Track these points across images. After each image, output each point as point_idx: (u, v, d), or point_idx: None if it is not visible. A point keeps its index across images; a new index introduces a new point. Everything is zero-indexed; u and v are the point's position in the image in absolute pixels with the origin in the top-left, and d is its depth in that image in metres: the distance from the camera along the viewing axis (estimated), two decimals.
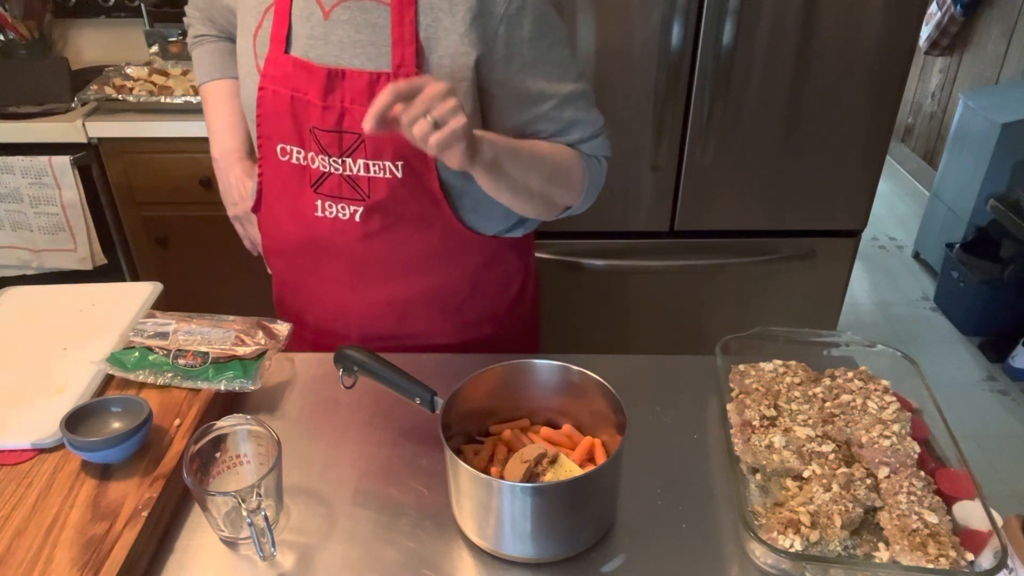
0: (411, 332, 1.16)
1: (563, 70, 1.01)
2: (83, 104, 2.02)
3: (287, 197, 1.07)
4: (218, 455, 0.86)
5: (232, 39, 1.23)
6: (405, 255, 1.08)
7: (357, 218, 1.03)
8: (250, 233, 1.27)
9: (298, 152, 1.02)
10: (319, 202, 1.04)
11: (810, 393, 0.97)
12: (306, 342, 1.20)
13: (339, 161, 1.00)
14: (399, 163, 0.98)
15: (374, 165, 0.99)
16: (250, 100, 1.04)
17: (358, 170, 1.00)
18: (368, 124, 0.80)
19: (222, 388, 0.98)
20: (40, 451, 0.90)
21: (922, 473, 0.85)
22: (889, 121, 1.81)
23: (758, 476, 0.89)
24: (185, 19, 1.27)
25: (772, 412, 0.93)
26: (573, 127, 1.04)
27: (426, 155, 0.98)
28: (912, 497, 0.82)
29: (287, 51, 0.99)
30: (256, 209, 1.15)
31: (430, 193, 1.02)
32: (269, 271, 1.25)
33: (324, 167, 1.01)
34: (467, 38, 0.95)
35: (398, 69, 0.95)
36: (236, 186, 1.23)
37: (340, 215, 1.04)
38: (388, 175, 0.99)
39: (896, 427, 0.89)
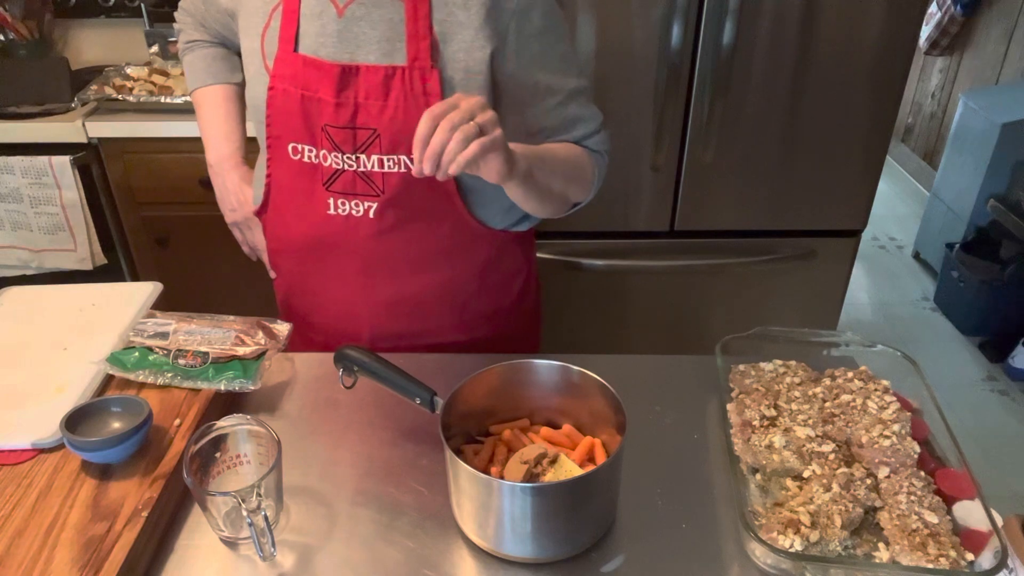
0: (419, 330, 1.16)
1: (567, 64, 1.03)
2: (83, 104, 2.02)
3: (298, 197, 1.07)
4: (218, 455, 0.86)
5: (224, 44, 1.23)
6: (415, 251, 1.08)
7: (371, 214, 1.03)
8: (249, 239, 1.26)
9: (310, 151, 1.02)
10: (331, 200, 1.04)
11: (810, 393, 0.97)
12: (315, 344, 1.20)
13: (353, 157, 1.00)
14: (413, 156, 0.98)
15: (389, 160, 0.99)
16: (258, 100, 1.04)
17: (372, 166, 1.00)
18: (425, 168, 0.79)
19: (222, 388, 0.98)
20: (40, 451, 0.90)
21: (922, 473, 0.85)
22: (889, 121, 1.81)
23: (758, 476, 0.89)
24: (175, 25, 1.26)
25: (772, 412, 0.93)
26: (577, 123, 1.06)
27: None
28: (912, 497, 0.82)
29: (296, 50, 1.00)
30: (262, 211, 1.15)
31: (443, 186, 1.02)
32: (272, 275, 1.24)
33: (337, 164, 1.01)
34: (482, 32, 0.96)
35: (413, 63, 0.96)
36: (233, 192, 1.22)
37: (353, 212, 1.04)
38: (403, 169, 1.00)
39: (896, 427, 0.89)
